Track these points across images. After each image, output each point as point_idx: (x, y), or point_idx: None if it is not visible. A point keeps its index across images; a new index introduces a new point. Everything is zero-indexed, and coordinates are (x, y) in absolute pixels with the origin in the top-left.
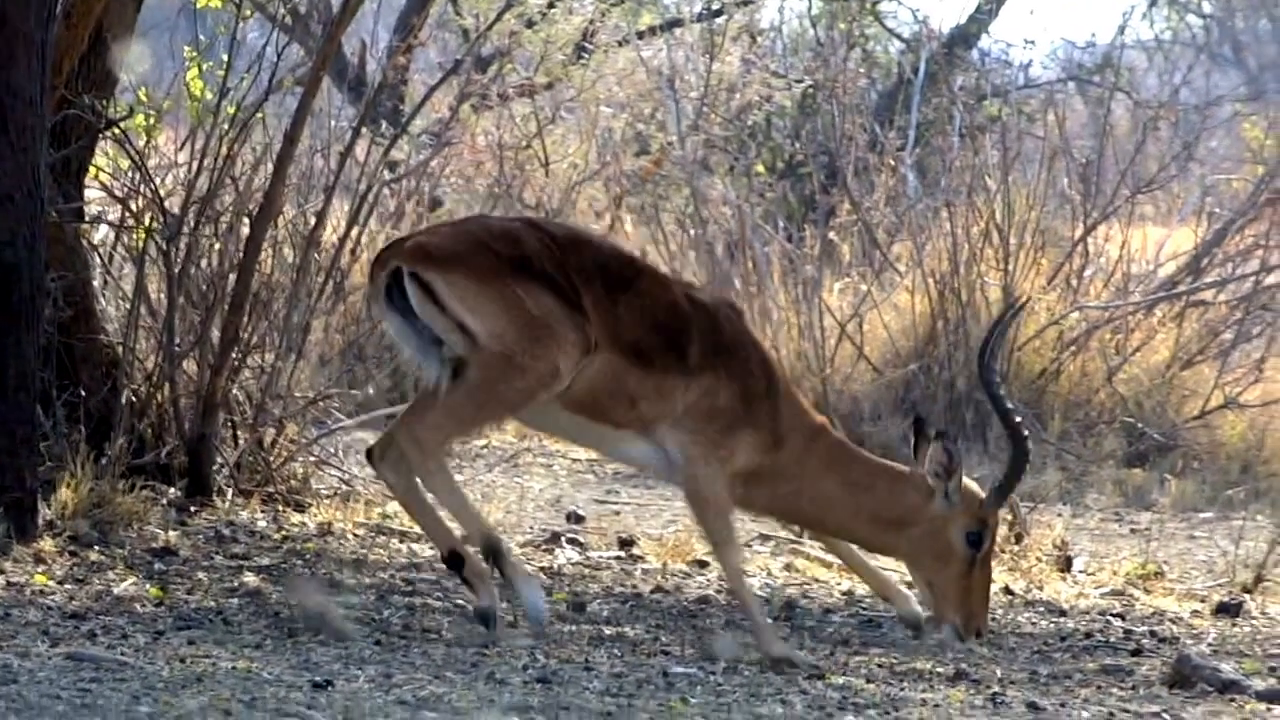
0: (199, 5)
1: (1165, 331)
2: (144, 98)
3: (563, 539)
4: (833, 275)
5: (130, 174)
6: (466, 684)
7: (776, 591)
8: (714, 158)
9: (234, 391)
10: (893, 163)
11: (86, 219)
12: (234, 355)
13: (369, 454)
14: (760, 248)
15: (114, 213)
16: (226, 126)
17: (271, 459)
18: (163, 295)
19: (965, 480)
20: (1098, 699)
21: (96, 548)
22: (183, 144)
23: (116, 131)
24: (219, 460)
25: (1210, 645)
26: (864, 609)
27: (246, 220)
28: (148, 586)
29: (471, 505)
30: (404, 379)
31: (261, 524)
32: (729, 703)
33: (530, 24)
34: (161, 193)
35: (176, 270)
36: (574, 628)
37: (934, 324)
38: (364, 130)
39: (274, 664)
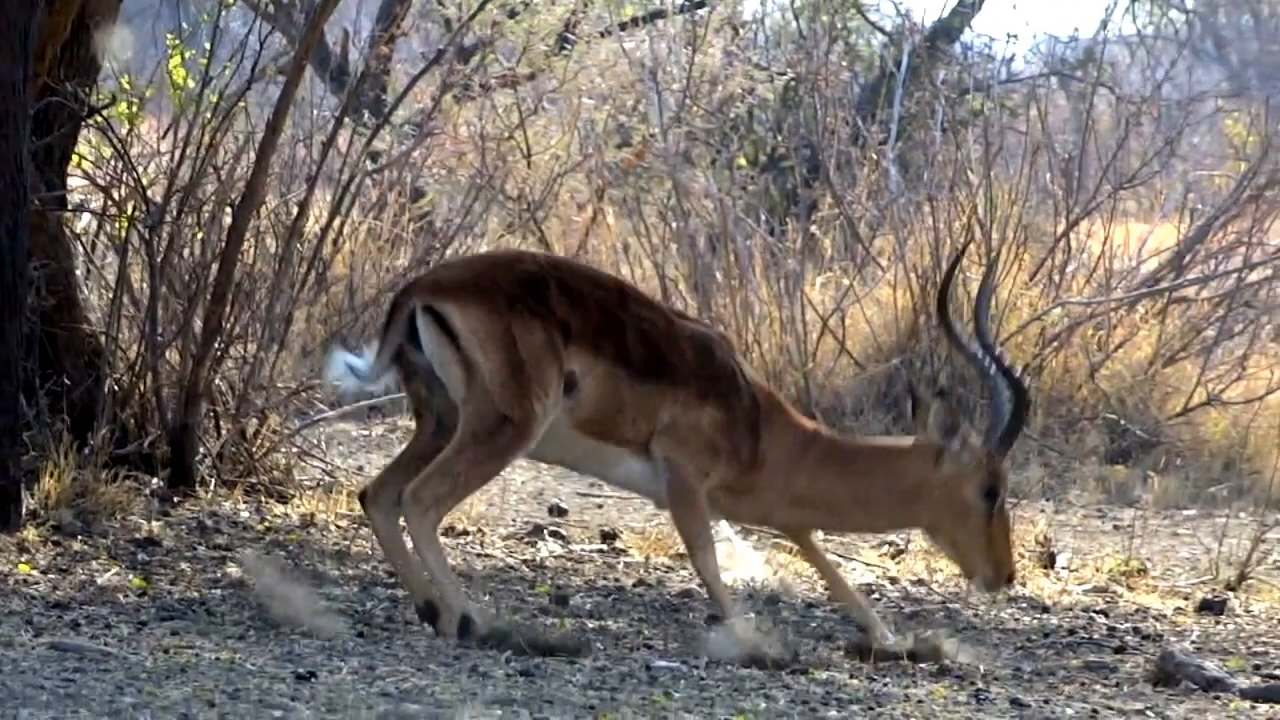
0: None
1: (1148, 328)
2: (127, 85)
3: (545, 532)
4: (815, 269)
5: (113, 162)
6: (450, 676)
7: (758, 588)
8: (696, 150)
9: (216, 382)
10: (875, 157)
11: (69, 207)
12: (217, 345)
13: (361, 496)
14: (742, 241)
15: (97, 201)
16: (209, 115)
17: (254, 450)
18: (145, 284)
19: (970, 436)
20: (1081, 696)
21: (80, 538)
22: (165, 132)
23: (99, 119)
24: (202, 450)
25: (1194, 643)
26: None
27: (229, 210)
28: (131, 577)
29: (451, 575)
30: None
31: (244, 515)
32: (712, 697)
33: (513, 14)
34: (144, 181)
35: (159, 259)
36: (556, 621)
37: (916, 318)
38: (346, 120)
39: (257, 655)
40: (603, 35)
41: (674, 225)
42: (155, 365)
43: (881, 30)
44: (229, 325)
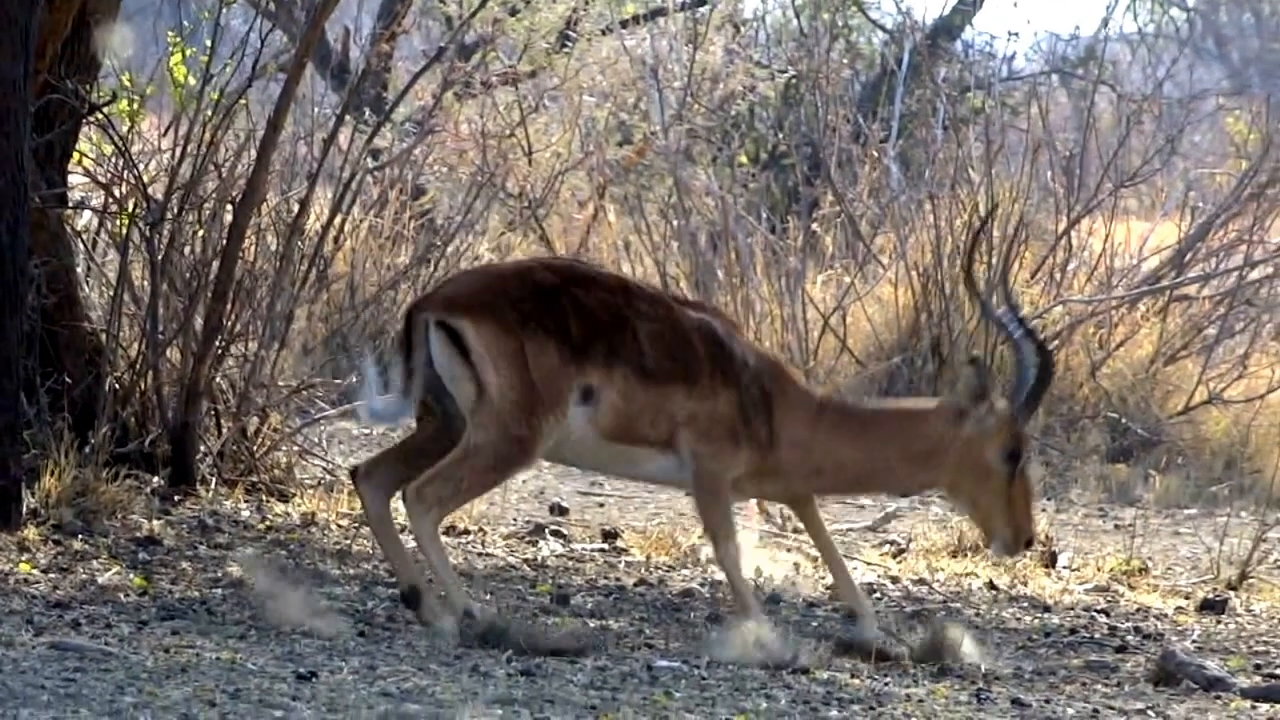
0: None
1: (1149, 326)
2: (127, 83)
3: (546, 531)
4: (816, 267)
5: (114, 160)
6: (450, 676)
7: (760, 586)
8: (697, 148)
9: (217, 380)
10: (876, 154)
11: (70, 205)
12: (217, 343)
13: (354, 471)
14: (743, 239)
15: (97, 199)
16: (210, 113)
17: (255, 448)
18: (146, 282)
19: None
20: (1082, 695)
21: (80, 537)
22: (166, 130)
23: (100, 117)
24: (202, 449)
25: (1195, 642)
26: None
27: (230, 207)
28: (131, 576)
29: (452, 573)
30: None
31: (245, 514)
32: (713, 696)
33: (514, 12)
34: (145, 179)
35: (160, 257)
36: (557, 620)
37: (917, 316)
38: (347, 118)
39: (258, 655)
40: (604, 33)
41: (675, 223)
42: (156, 363)
43: (882, 28)
44: (230, 323)
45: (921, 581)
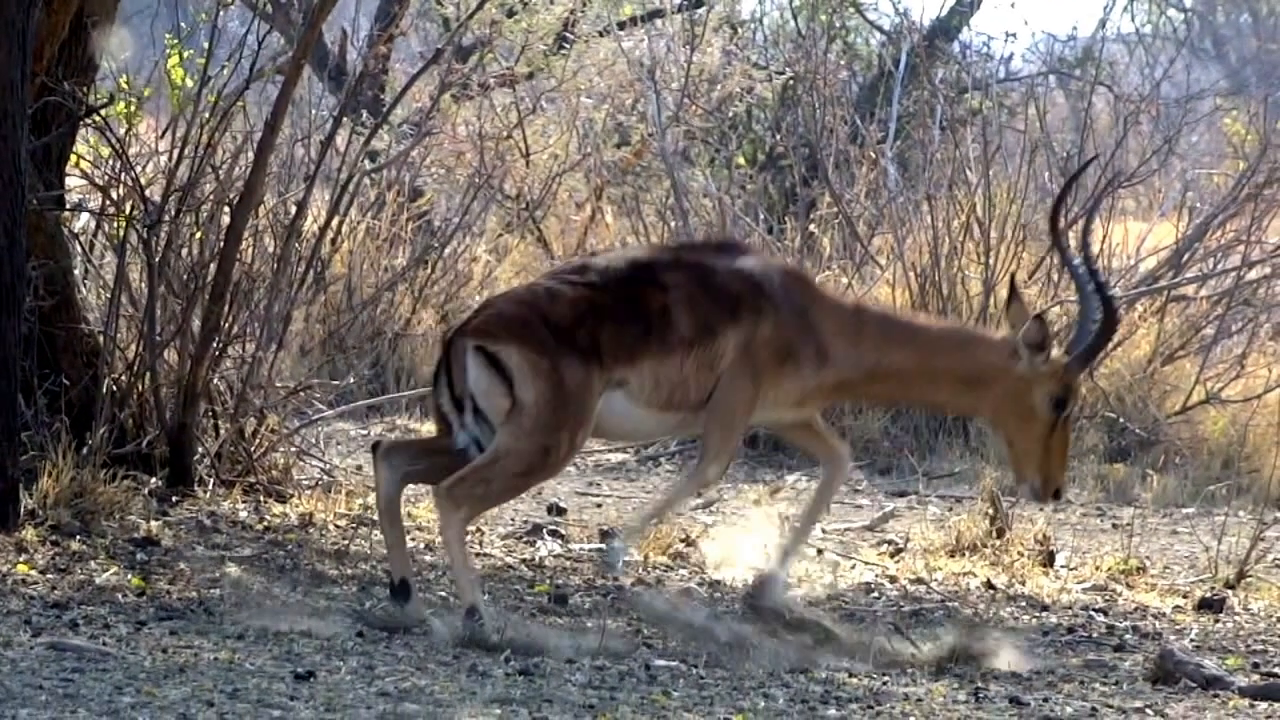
0: None
1: (1146, 326)
2: (125, 85)
3: (544, 531)
4: (814, 268)
5: (111, 162)
6: (449, 676)
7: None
8: (695, 149)
9: (215, 381)
10: (873, 155)
11: (67, 207)
12: (215, 345)
13: (375, 446)
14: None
15: (95, 201)
16: (207, 115)
17: (252, 449)
18: (143, 284)
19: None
20: (1080, 694)
21: (78, 537)
22: (164, 132)
23: (97, 119)
24: (200, 450)
25: (1193, 641)
26: (845, 602)
27: (227, 209)
28: (129, 577)
29: (471, 571)
30: (384, 369)
31: (243, 514)
32: (711, 696)
33: (511, 14)
34: (142, 181)
35: (157, 259)
36: (556, 620)
37: None
38: (345, 119)
39: (256, 655)
40: (601, 34)
41: (673, 224)
42: (153, 365)
43: (880, 29)
44: (227, 325)
45: (919, 581)
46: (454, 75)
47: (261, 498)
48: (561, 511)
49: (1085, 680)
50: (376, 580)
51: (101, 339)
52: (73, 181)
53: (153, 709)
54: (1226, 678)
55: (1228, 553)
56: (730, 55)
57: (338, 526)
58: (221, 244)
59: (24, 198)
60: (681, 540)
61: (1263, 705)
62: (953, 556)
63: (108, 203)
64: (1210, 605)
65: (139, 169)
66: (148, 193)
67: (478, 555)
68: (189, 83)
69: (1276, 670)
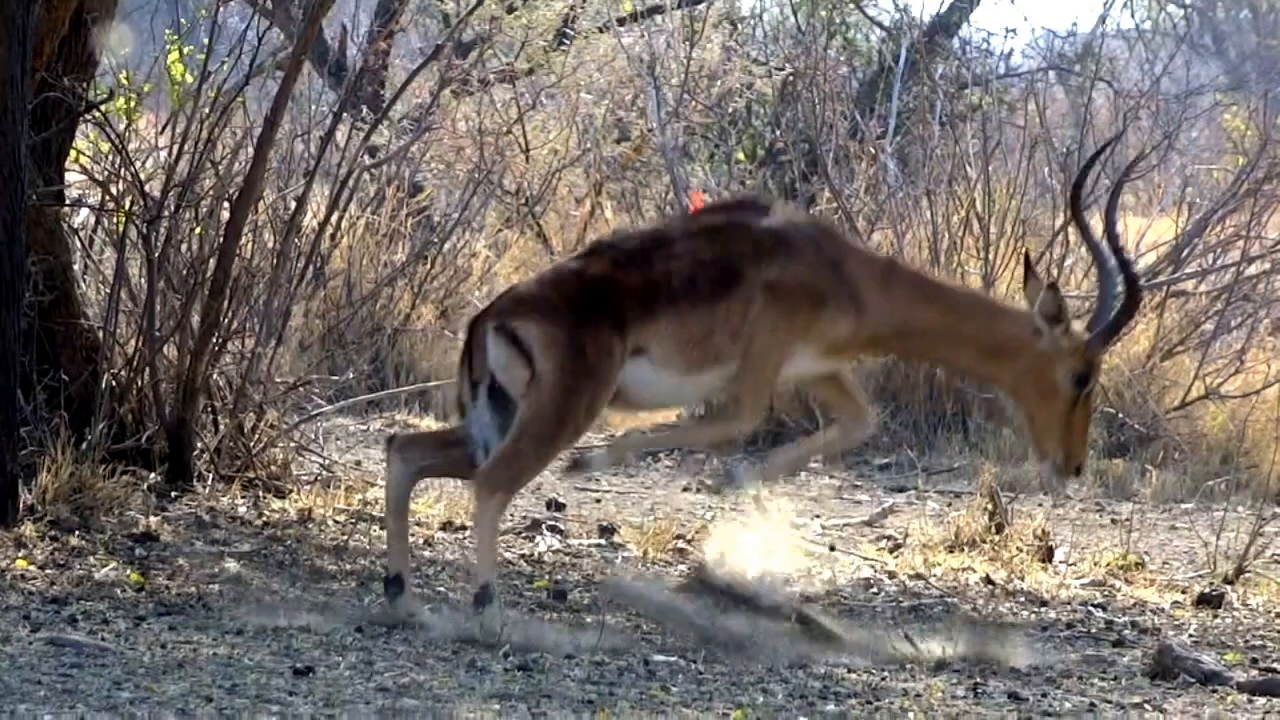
0: None
1: (1146, 322)
2: (124, 81)
3: (543, 526)
4: None
5: (110, 157)
6: (448, 671)
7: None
8: (694, 145)
9: (214, 377)
10: (873, 151)
11: (67, 202)
12: (214, 340)
13: (390, 440)
14: None
15: (94, 196)
16: (207, 110)
17: (252, 444)
18: (143, 279)
19: (1073, 324)
20: (1079, 689)
21: (77, 533)
22: (163, 128)
23: (97, 115)
24: (199, 445)
25: (1191, 636)
26: (844, 598)
27: (227, 205)
28: (128, 572)
29: (494, 555)
30: (384, 365)
31: (242, 510)
32: (710, 691)
33: (511, 9)
34: (142, 176)
35: (157, 254)
36: (555, 615)
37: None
38: (344, 115)
39: (255, 650)
40: (601, 30)
41: None
42: (153, 360)
43: (880, 25)
44: (227, 320)
45: (918, 576)
46: (454, 71)
47: (260, 493)
48: (561, 507)
49: (1084, 675)
50: (375, 576)
51: (101, 334)
52: (72, 177)
53: (151, 704)
54: (1225, 673)
55: (1226, 548)
56: (730, 51)
57: (337, 522)
58: (221, 239)
59: (24, 193)
60: (678, 537)
61: (1261, 700)
62: (952, 552)
63: (107, 198)
64: (1209, 600)
65: (139, 164)
66: (147, 188)
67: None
68: (189, 78)
69: (1275, 665)
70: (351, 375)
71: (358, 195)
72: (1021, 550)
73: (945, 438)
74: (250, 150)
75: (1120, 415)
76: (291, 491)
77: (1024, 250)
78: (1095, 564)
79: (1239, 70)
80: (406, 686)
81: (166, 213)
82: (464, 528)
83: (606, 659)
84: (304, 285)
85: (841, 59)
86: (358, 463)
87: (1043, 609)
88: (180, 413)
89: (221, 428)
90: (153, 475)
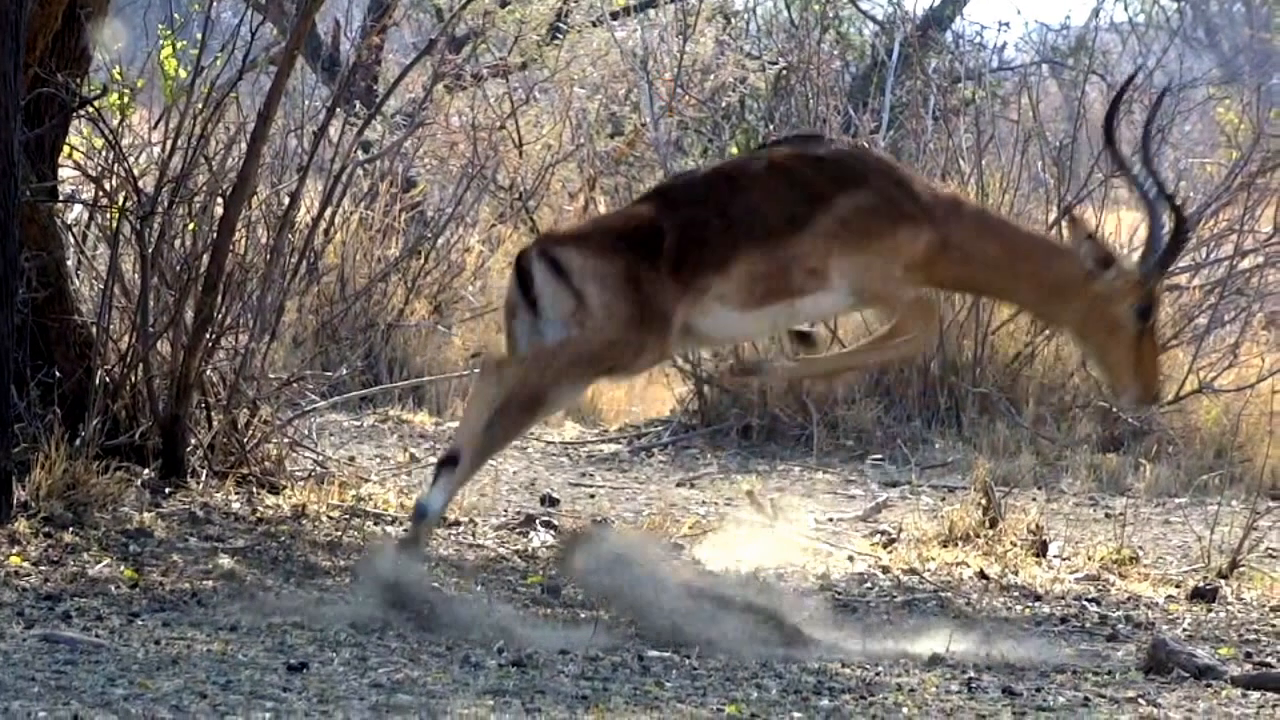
0: None
1: None
2: (118, 76)
3: (537, 522)
4: None
5: (104, 153)
6: (441, 667)
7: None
8: (688, 139)
9: (208, 373)
10: (867, 145)
11: (60, 198)
12: (208, 336)
13: (487, 358)
14: None
15: (88, 192)
16: (200, 106)
17: (245, 440)
18: (136, 275)
19: (1126, 261)
20: (1073, 684)
21: (71, 529)
22: (156, 123)
23: (90, 110)
24: (193, 442)
25: (1186, 630)
26: (839, 593)
27: (220, 200)
28: (122, 568)
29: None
30: (377, 360)
31: (236, 506)
32: (704, 687)
33: (504, 4)
34: (135, 172)
35: (150, 250)
36: (549, 611)
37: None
38: (338, 110)
39: (249, 646)
40: (594, 24)
41: None
42: (146, 356)
43: (873, 19)
44: (220, 316)
45: (912, 571)
46: (447, 66)
47: (254, 489)
48: (554, 502)
49: (1078, 670)
50: None
51: (94, 330)
52: (66, 173)
53: (146, 701)
54: (1219, 667)
55: (1220, 542)
56: (723, 45)
57: (330, 518)
58: (215, 235)
59: (17, 189)
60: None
61: (1255, 695)
62: (945, 546)
63: (101, 194)
64: (1203, 595)
65: (132, 160)
66: (141, 184)
67: (470, 546)
68: (182, 74)
69: (1269, 659)
70: (345, 371)
71: (351, 191)
72: (1015, 545)
73: (939, 432)
74: (244, 146)
75: (1114, 409)
76: (285, 487)
77: (1067, 206)
78: (1089, 558)
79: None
80: (400, 682)
81: (160, 208)
82: (457, 523)
83: (601, 655)
84: (297, 281)
85: (835, 53)
86: (351, 458)
87: (1037, 603)
88: (174, 409)
89: (215, 424)
90: (146, 471)
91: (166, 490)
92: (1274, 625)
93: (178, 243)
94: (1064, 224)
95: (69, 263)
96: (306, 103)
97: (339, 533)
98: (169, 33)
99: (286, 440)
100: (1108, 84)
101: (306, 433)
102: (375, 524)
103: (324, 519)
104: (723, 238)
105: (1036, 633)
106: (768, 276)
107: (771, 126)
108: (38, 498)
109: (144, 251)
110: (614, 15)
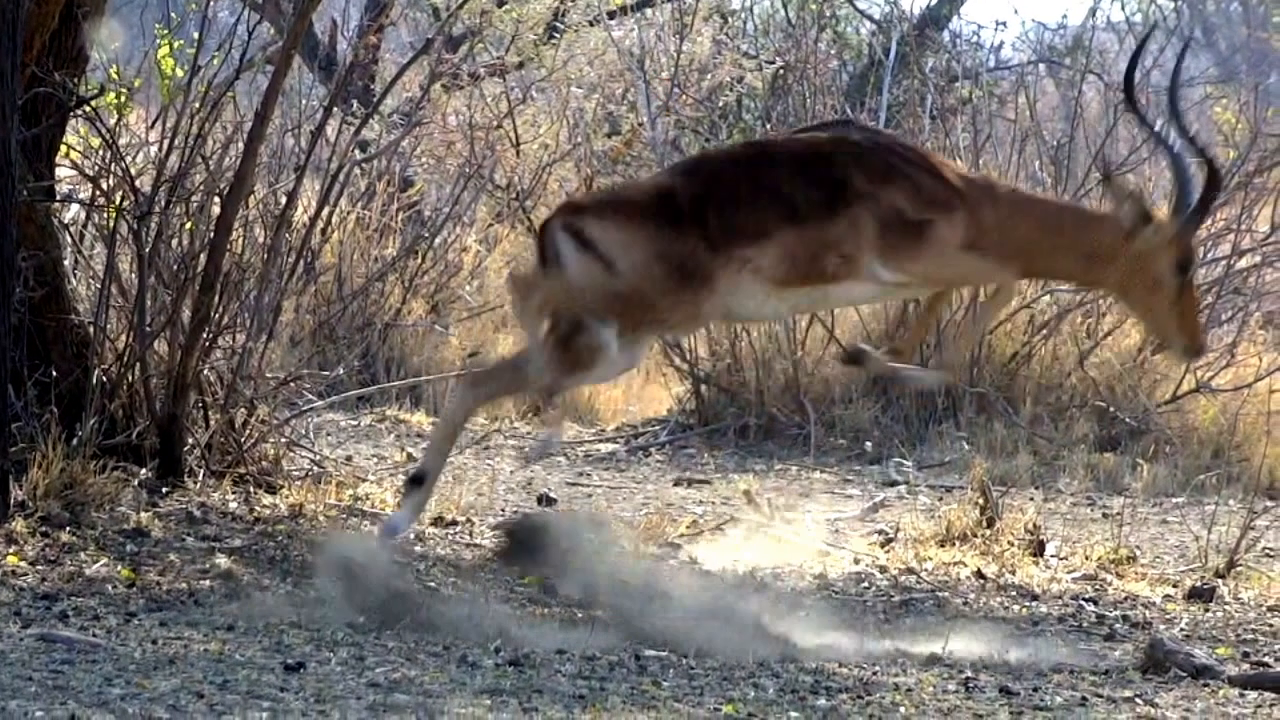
0: None
1: None
2: (115, 76)
3: None
4: None
5: (101, 152)
6: (439, 667)
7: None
8: (685, 139)
9: (205, 372)
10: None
11: (57, 198)
12: (205, 335)
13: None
14: None
15: (85, 191)
16: (197, 105)
17: (242, 440)
18: (133, 275)
19: (1161, 217)
20: (1070, 684)
21: (68, 529)
22: (154, 122)
23: (87, 110)
24: (190, 441)
25: (1183, 630)
26: (836, 592)
27: (217, 199)
28: (119, 568)
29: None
30: (374, 360)
31: (233, 505)
32: (701, 686)
33: (501, 3)
34: (132, 171)
35: (147, 250)
36: (546, 610)
37: (905, 306)
38: (335, 110)
39: (246, 646)
40: (591, 24)
41: None
42: (143, 356)
43: (870, 18)
44: (217, 315)
45: (910, 571)
46: (444, 65)
47: (251, 489)
48: (552, 502)
49: (1075, 669)
50: None
51: (92, 330)
52: (63, 172)
53: (143, 700)
54: (1216, 667)
55: (1218, 542)
56: (720, 44)
57: (328, 517)
58: (212, 234)
59: (14, 189)
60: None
61: (1252, 694)
62: (943, 546)
63: (98, 193)
64: (1200, 594)
65: (129, 159)
66: (138, 183)
67: (467, 546)
68: (179, 73)
69: (1266, 659)
70: (342, 370)
71: (348, 190)
72: (1012, 544)
73: (936, 432)
74: (241, 145)
75: (1111, 409)
76: (282, 487)
77: (1101, 169)
78: (1086, 558)
79: (1229, 62)
80: (398, 682)
81: (157, 208)
82: (454, 522)
83: (598, 654)
84: (295, 280)
85: (832, 52)
86: (348, 458)
87: (1034, 603)
88: (171, 408)
89: (212, 423)
90: (143, 471)
91: (164, 490)
92: (1271, 625)
93: (175, 242)
94: (1104, 187)
95: (66, 262)
96: (304, 102)
97: (336, 532)
98: (166, 32)
99: (284, 440)
100: (1105, 83)
101: (304, 432)
102: (372, 524)
103: (321, 518)
104: (755, 209)
105: (1034, 632)
106: (801, 258)
107: (768, 126)
108: (35, 497)
109: (141, 251)
110: (611, 15)
